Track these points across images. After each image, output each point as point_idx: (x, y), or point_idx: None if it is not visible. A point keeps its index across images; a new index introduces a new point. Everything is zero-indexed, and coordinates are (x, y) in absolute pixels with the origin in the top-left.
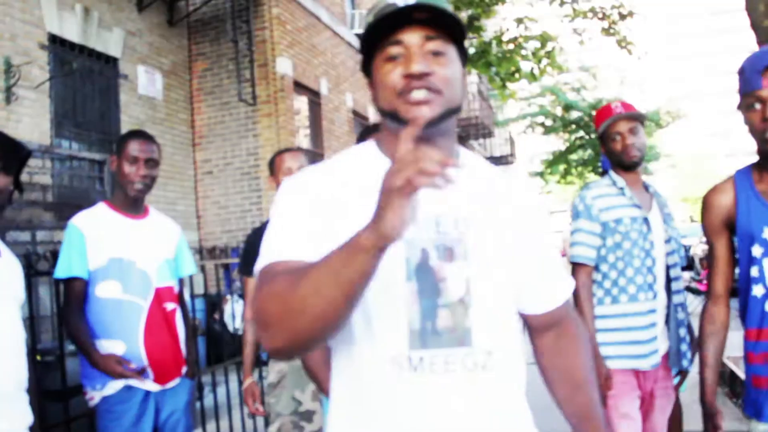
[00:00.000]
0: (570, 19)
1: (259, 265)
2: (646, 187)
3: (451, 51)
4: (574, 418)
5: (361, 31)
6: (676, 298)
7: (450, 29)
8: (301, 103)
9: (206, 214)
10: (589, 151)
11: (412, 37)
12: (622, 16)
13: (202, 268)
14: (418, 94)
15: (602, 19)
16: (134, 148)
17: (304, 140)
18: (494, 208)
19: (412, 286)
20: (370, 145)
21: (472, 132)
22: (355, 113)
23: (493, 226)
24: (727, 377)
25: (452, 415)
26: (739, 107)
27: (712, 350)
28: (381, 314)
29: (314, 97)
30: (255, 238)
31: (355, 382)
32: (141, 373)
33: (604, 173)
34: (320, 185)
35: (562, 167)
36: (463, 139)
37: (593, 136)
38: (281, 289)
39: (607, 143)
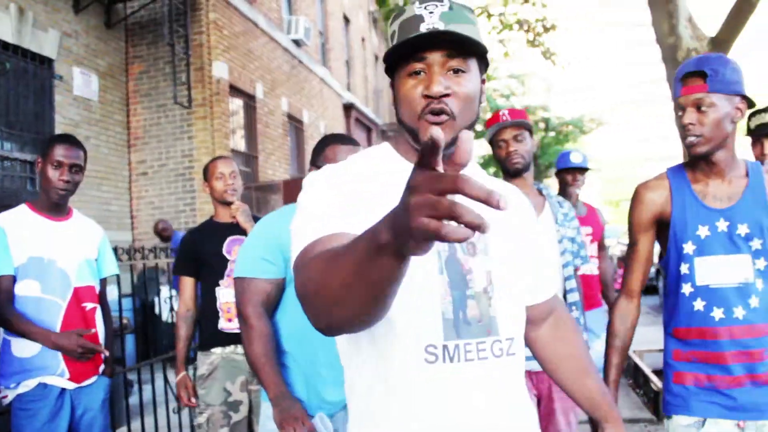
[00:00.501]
0: (497, 31)
1: (295, 251)
2: (539, 191)
3: (473, 65)
4: (587, 403)
5: (297, 36)
6: (570, 297)
7: (473, 47)
8: (237, 106)
9: (140, 214)
10: None
11: (435, 55)
12: (546, 29)
13: (132, 268)
14: (435, 118)
15: (527, 31)
16: (59, 153)
17: (238, 143)
18: (509, 219)
19: (444, 278)
20: (385, 147)
21: None
22: (290, 117)
23: (500, 224)
24: (631, 369)
25: (485, 399)
26: None
27: (618, 348)
28: (417, 306)
29: (249, 100)
30: (191, 239)
31: (387, 372)
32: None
33: (558, 173)
34: (343, 178)
35: (492, 170)
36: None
37: None
38: (316, 276)
39: (494, 150)
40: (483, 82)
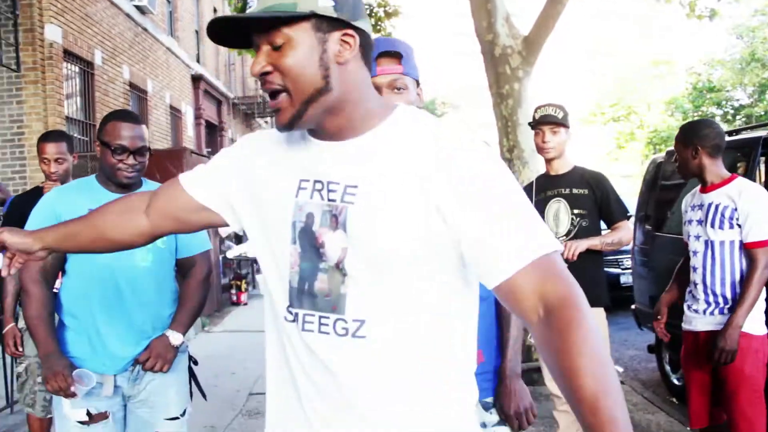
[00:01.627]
0: None
1: None
2: None
3: (298, 33)
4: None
5: (141, 3)
6: None
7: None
8: (73, 72)
9: None
10: None
11: (255, 37)
12: (388, 15)
13: None
14: (271, 101)
15: (370, 16)
16: None
17: (74, 110)
18: (411, 175)
19: (295, 248)
20: None
21: (257, 110)
22: (132, 85)
23: (402, 195)
24: None
25: (330, 373)
26: None
27: None
28: (272, 273)
29: (87, 67)
30: (18, 202)
31: (270, 329)
32: None
33: None
34: (245, 154)
35: None
36: (248, 117)
37: None
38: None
39: None
40: (347, 36)
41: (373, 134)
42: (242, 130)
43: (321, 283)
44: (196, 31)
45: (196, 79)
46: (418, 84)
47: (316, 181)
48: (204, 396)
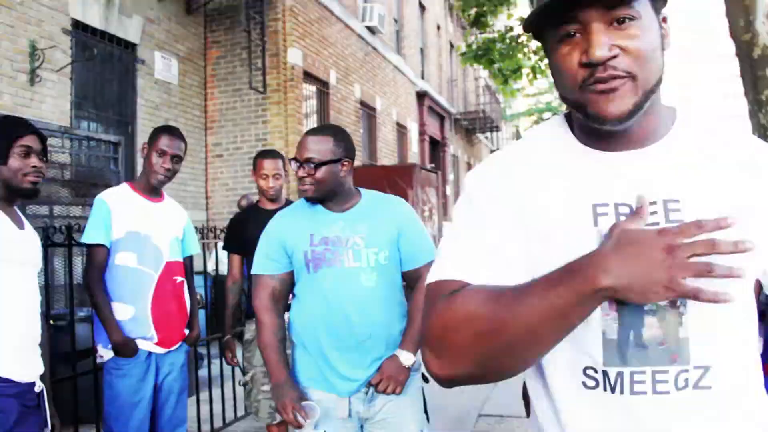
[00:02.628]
0: None
1: (430, 278)
2: None
3: (644, 6)
4: None
5: (371, 23)
6: None
7: None
8: (310, 92)
9: (215, 195)
10: None
11: (590, 12)
12: None
13: (206, 246)
14: (605, 86)
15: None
16: (164, 143)
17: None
18: (729, 185)
19: None
20: (558, 124)
21: (478, 125)
22: (363, 104)
23: (729, 208)
24: None
25: None
26: None
27: None
28: None
29: (323, 87)
30: (237, 220)
31: (548, 389)
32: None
33: None
34: (507, 184)
35: None
36: (469, 132)
37: None
38: (477, 316)
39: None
40: (664, 21)
41: (672, 138)
42: (463, 146)
43: (651, 329)
44: (421, 49)
45: (421, 96)
46: None
47: (618, 204)
48: (427, 418)
